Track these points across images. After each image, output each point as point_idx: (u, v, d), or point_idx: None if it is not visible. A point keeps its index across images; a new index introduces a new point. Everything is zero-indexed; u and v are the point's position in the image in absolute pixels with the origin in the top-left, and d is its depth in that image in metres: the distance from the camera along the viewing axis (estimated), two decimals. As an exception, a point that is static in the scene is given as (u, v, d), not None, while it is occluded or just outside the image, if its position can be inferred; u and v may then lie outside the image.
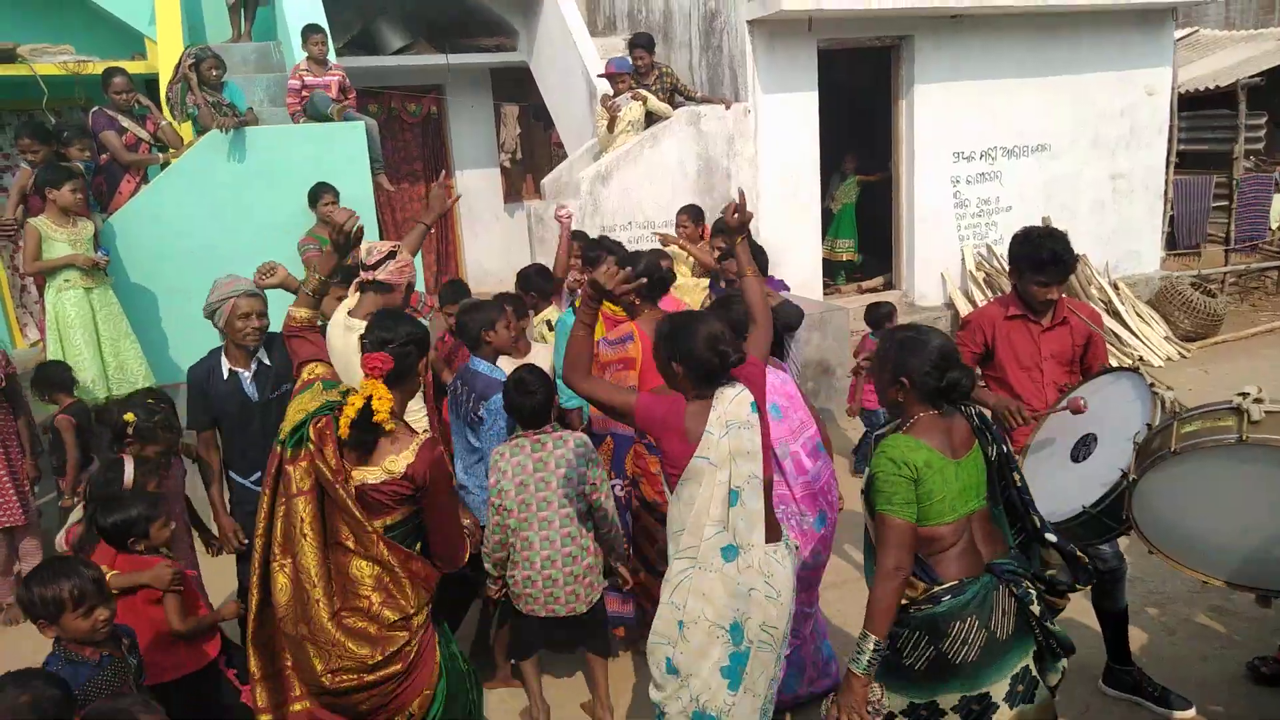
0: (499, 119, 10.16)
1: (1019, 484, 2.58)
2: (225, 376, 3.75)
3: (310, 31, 6.58)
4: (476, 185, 10.11)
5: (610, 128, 7.06)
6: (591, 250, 4.54)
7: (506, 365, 3.77)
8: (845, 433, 6.64)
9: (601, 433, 3.91)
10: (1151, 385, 3.04)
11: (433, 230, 4.07)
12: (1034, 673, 2.48)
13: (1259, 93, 9.81)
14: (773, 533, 2.71)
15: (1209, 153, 10.03)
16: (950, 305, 8.34)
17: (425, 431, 2.91)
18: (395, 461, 2.46)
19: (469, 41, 9.57)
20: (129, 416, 3.45)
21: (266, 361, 3.76)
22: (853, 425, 6.54)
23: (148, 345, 5.83)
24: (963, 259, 8.46)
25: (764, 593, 2.61)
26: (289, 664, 2.54)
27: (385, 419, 2.41)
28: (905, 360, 2.47)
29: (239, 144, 6.19)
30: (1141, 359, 8.12)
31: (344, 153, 6.51)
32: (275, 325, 3.89)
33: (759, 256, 4.53)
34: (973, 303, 8.13)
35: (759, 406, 2.71)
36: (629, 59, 7.25)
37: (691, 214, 5.88)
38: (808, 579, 3.34)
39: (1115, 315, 8.44)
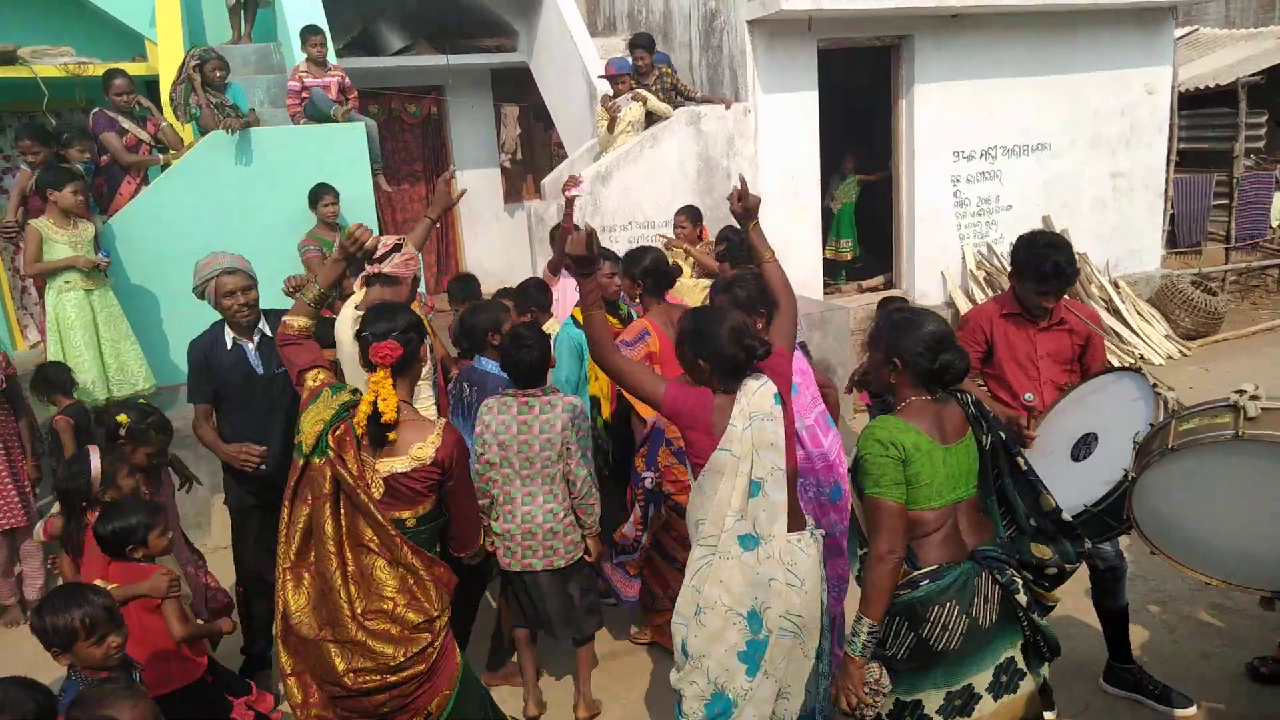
0: (499, 119, 10.17)
1: (1025, 467, 2.57)
2: (229, 347, 3.73)
3: (309, 33, 6.59)
4: (477, 185, 10.10)
5: (610, 128, 7.06)
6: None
7: None
8: (850, 425, 6.65)
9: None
10: (1154, 385, 3.04)
11: (434, 228, 4.08)
12: (1019, 664, 2.47)
13: (1259, 91, 9.81)
14: (796, 522, 2.72)
15: (1209, 151, 10.03)
16: (951, 304, 8.34)
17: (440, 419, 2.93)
18: (423, 448, 2.52)
19: (469, 42, 9.57)
20: (122, 418, 3.48)
21: (269, 333, 3.73)
22: (859, 420, 6.54)
23: (148, 347, 5.84)
24: (963, 258, 8.46)
25: (785, 581, 2.63)
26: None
27: (392, 418, 2.46)
28: (898, 340, 2.47)
29: (239, 145, 6.20)
30: (1142, 357, 8.13)
31: (344, 153, 6.53)
32: (272, 301, 3.93)
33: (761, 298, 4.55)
34: (973, 301, 8.13)
35: (783, 397, 2.72)
36: (629, 59, 7.26)
37: (690, 214, 5.89)
38: (837, 545, 3.33)
39: (1116, 314, 8.44)
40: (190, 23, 8.05)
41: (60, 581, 3.54)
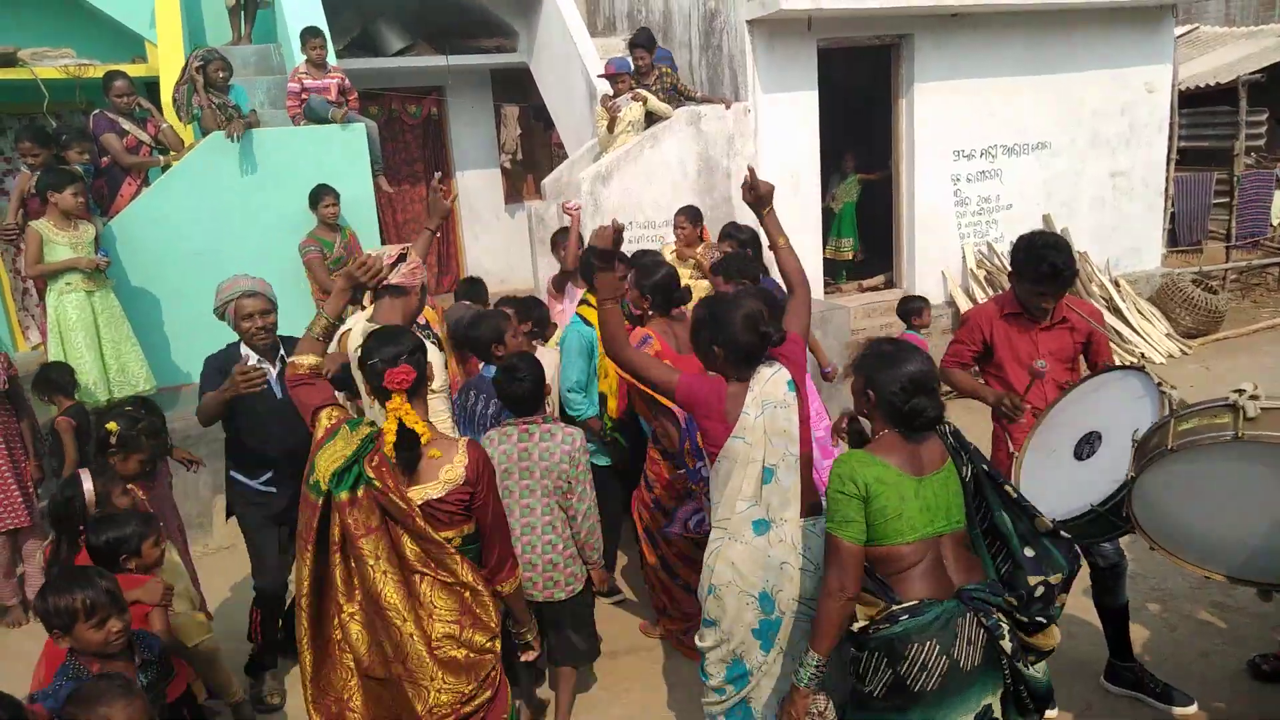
0: (499, 120, 10.17)
1: (1014, 495, 2.46)
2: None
3: (309, 35, 6.59)
4: (477, 186, 10.12)
5: (610, 128, 7.06)
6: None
7: None
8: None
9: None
10: (1159, 384, 3.04)
11: (437, 235, 4.06)
12: (996, 714, 2.36)
13: (1259, 89, 9.81)
14: (810, 505, 2.72)
15: (1210, 149, 10.03)
16: (951, 303, 8.34)
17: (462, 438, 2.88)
18: (452, 469, 2.47)
19: (469, 43, 9.58)
20: (111, 426, 3.41)
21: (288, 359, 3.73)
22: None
23: (149, 348, 5.85)
24: (963, 257, 8.46)
25: (797, 565, 2.65)
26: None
27: (427, 435, 2.43)
28: (874, 374, 2.43)
29: (240, 146, 6.21)
30: (1143, 356, 8.12)
31: (345, 154, 6.53)
32: (288, 329, 3.90)
33: (755, 263, 4.55)
34: (973, 301, 8.13)
35: (798, 384, 2.74)
36: (629, 59, 7.26)
37: (690, 215, 5.89)
38: None
39: (1116, 312, 8.43)
40: (190, 24, 8.06)
41: None
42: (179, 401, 6.04)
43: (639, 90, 7.03)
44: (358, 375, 2.81)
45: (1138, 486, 2.81)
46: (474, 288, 5.09)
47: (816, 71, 7.64)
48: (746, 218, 6.67)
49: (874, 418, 2.48)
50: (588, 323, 4.19)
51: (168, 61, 7.20)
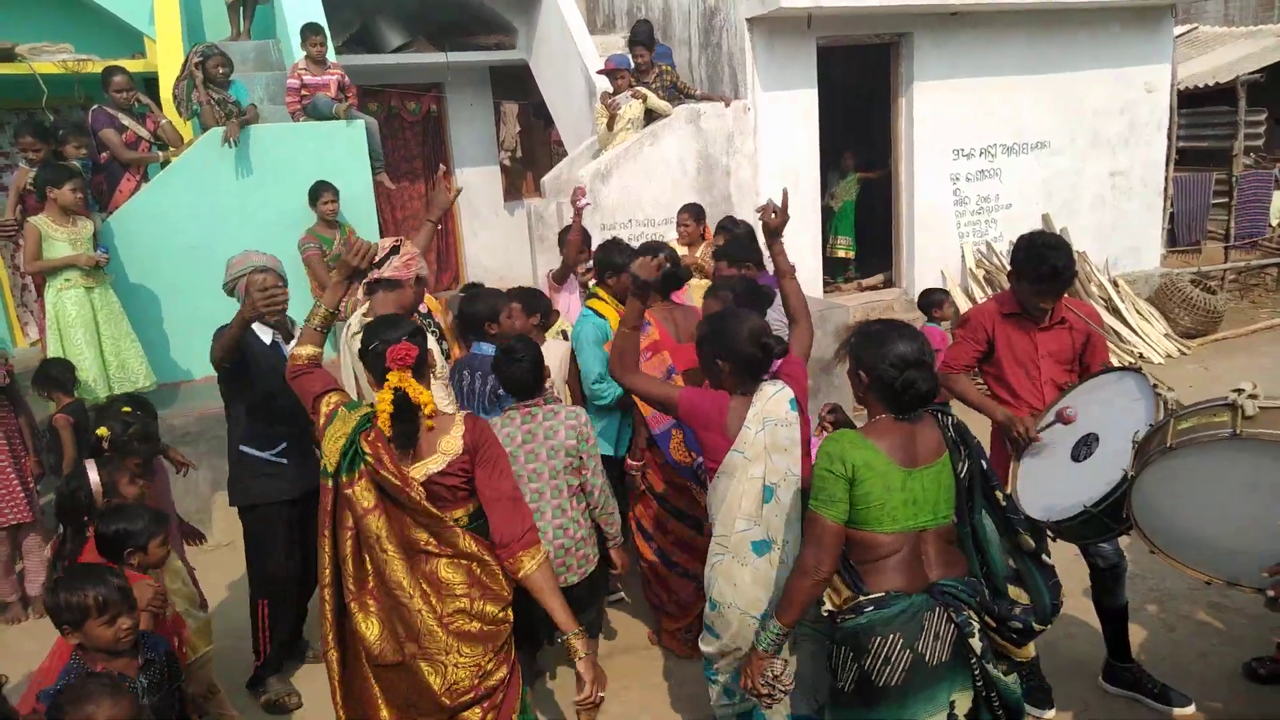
0: (499, 117, 10.16)
1: (1002, 502, 2.41)
2: (269, 344, 3.70)
3: (310, 32, 6.58)
4: (476, 183, 10.11)
5: (610, 125, 7.06)
6: (605, 255, 4.44)
7: None
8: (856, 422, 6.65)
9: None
10: (1154, 386, 3.05)
11: (438, 228, 4.05)
12: (957, 710, 2.31)
13: (1258, 89, 9.81)
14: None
15: (1209, 149, 10.03)
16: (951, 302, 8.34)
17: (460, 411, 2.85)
18: (450, 441, 2.48)
19: (468, 39, 9.57)
20: (102, 431, 3.40)
21: None
22: (862, 418, 6.55)
23: (148, 344, 5.84)
24: (963, 256, 8.47)
25: None
26: (384, 715, 2.47)
27: (431, 405, 2.41)
28: (864, 353, 2.41)
29: (240, 142, 6.20)
30: (1141, 356, 8.13)
31: (344, 151, 6.53)
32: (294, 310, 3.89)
33: (755, 248, 4.53)
34: (972, 300, 8.14)
35: (800, 405, 2.74)
36: (628, 56, 7.25)
37: (693, 212, 5.89)
38: None
39: (1115, 312, 8.44)
40: (189, 20, 8.04)
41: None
42: (178, 397, 6.04)
43: (638, 88, 7.03)
44: (359, 366, 2.81)
45: (1136, 486, 2.81)
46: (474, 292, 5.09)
47: (816, 69, 7.64)
48: (747, 216, 6.67)
49: (869, 401, 2.46)
50: (599, 314, 4.16)
51: (167, 57, 7.19)
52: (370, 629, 2.43)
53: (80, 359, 5.26)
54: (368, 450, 2.40)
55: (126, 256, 6.05)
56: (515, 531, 2.46)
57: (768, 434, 2.65)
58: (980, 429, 2.73)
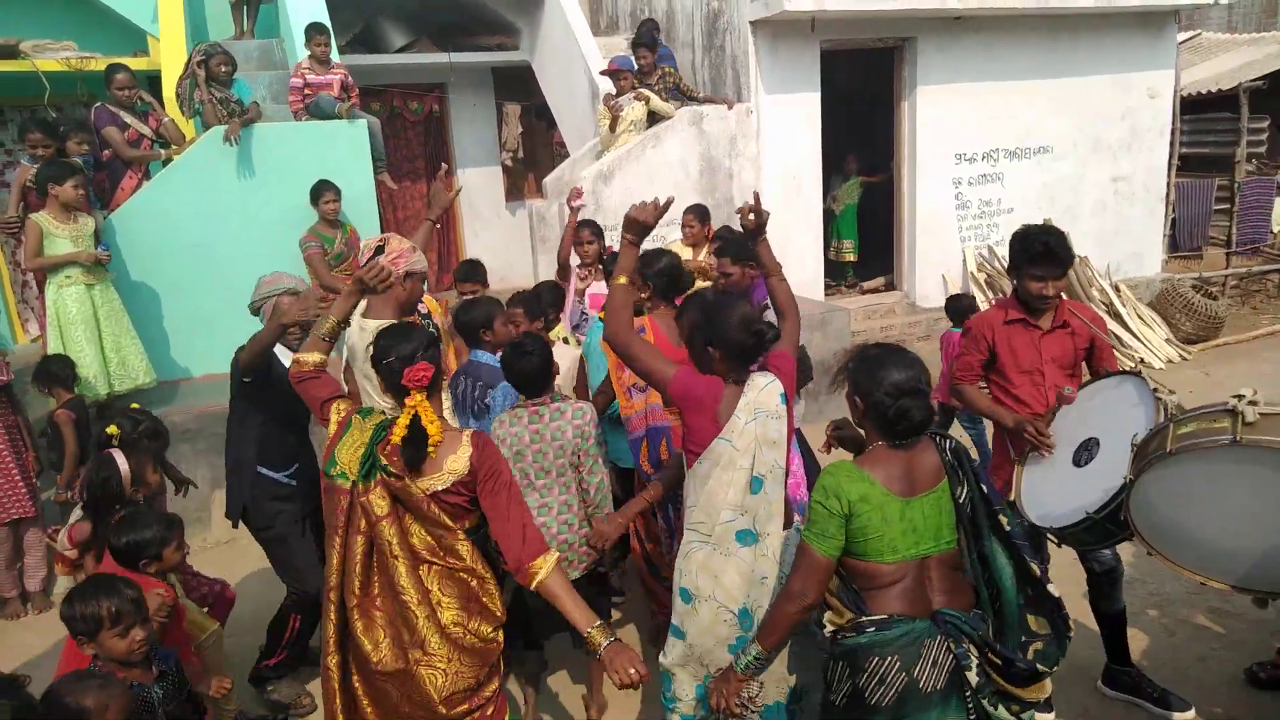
0: (501, 118, 10.17)
1: (1007, 527, 2.34)
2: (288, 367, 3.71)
3: (314, 31, 6.59)
4: (478, 184, 10.12)
5: (612, 127, 7.06)
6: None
7: None
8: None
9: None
10: (1155, 390, 3.04)
11: (437, 226, 4.04)
12: None
13: (1261, 96, 9.81)
14: (786, 519, 2.74)
15: (1211, 156, 10.03)
16: (951, 306, 8.34)
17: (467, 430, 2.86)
18: (456, 460, 2.46)
19: (471, 40, 9.58)
20: (112, 429, 3.42)
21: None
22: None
23: (149, 342, 5.84)
24: (964, 260, 8.47)
25: (777, 578, 2.64)
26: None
27: (439, 439, 2.41)
28: (860, 378, 2.38)
29: (242, 141, 6.21)
30: (1142, 361, 8.13)
31: (347, 150, 6.53)
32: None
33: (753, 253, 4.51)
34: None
35: (788, 398, 2.72)
36: (631, 58, 7.26)
37: (698, 213, 5.88)
38: None
39: (1116, 317, 8.44)
40: (192, 18, 8.05)
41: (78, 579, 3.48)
42: (178, 395, 6.04)
43: (641, 90, 7.03)
44: (372, 372, 2.79)
45: (1136, 490, 2.81)
46: (474, 270, 5.07)
47: (819, 73, 7.65)
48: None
49: (865, 427, 2.44)
50: None
51: (170, 55, 7.20)
52: (369, 638, 2.42)
53: (81, 356, 5.26)
54: (387, 463, 2.42)
55: (128, 254, 6.05)
56: (528, 554, 2.44)
57: (759, 425, 2.61)
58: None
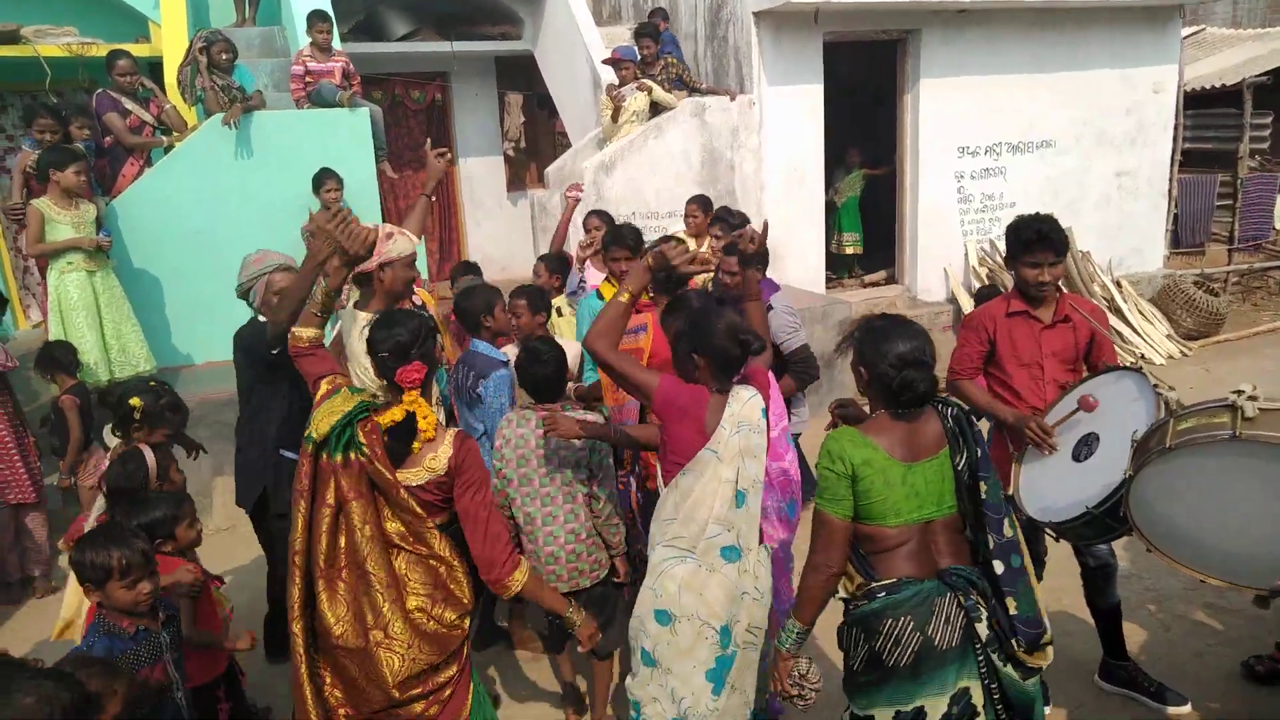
0: (503, 107, 10.15)
1: (982, 496, 2.39)
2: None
3: (316, 19, 6.57)
4: (480, 173, 10.10)
5: (615, 117, 7.05)
6: (617, 236, 4.39)
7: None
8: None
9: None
10: (1155, 386, 3.04)
11: (434, 214, 3.99)
12: (974, 701, 2.31)
13: (1265, 92, 9.79)
14: (761, 535, 2.76)
15: (1214, 151, 10.02)
16: (953, 300, 8.34)
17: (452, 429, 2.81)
18: (436, 459, 2.46)
19: (473, 29, 9.54)
20: (135, 401, 3.40)
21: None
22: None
23: (149, 328, 5.85)
24: (966, 254, 8.46)
25: (753, 596, 2.65)
26: (337, 693, 2.46)
27: (432, 435, 2.43)
28: (865, 349, 2.41)
29: (243, 128, 6.20)
30: (1143, 357, 8.13)
31: (348, 138, 6.53)
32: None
33: (760, 256, 4.50)
34: (975, 299, 8.14)
35: (767, 412, 2.72)
36: (635, 48, 7.24)
37: (701, 204, 5.88)
38: (782, 559, 3.33)
39: (1118, 313, 8.44)
40: (194, 5, 8.02)
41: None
42: (178, 382, 6.03)
43: (644, 80, 7.02)
44: (365, 359, 2.77)
45: (1135, 485, 2.81)
46: (469, 272, 5.10)
47: (822, 65, 7.63)
48: (750, 211, 6.67)
49: (869, 395, 2.47)
50: (601, 297, 4.13)
51: (171, 42, 7.18)
52: (333, 611, 2.42)
53: (82, 342, 5.26)
54: (364, 442, 2.40)
55: (129, 241, 6.05)
56: (498, 559, 2.49)
57: (742, 438, 2.60)
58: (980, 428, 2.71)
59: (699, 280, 5.58)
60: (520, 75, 9.95)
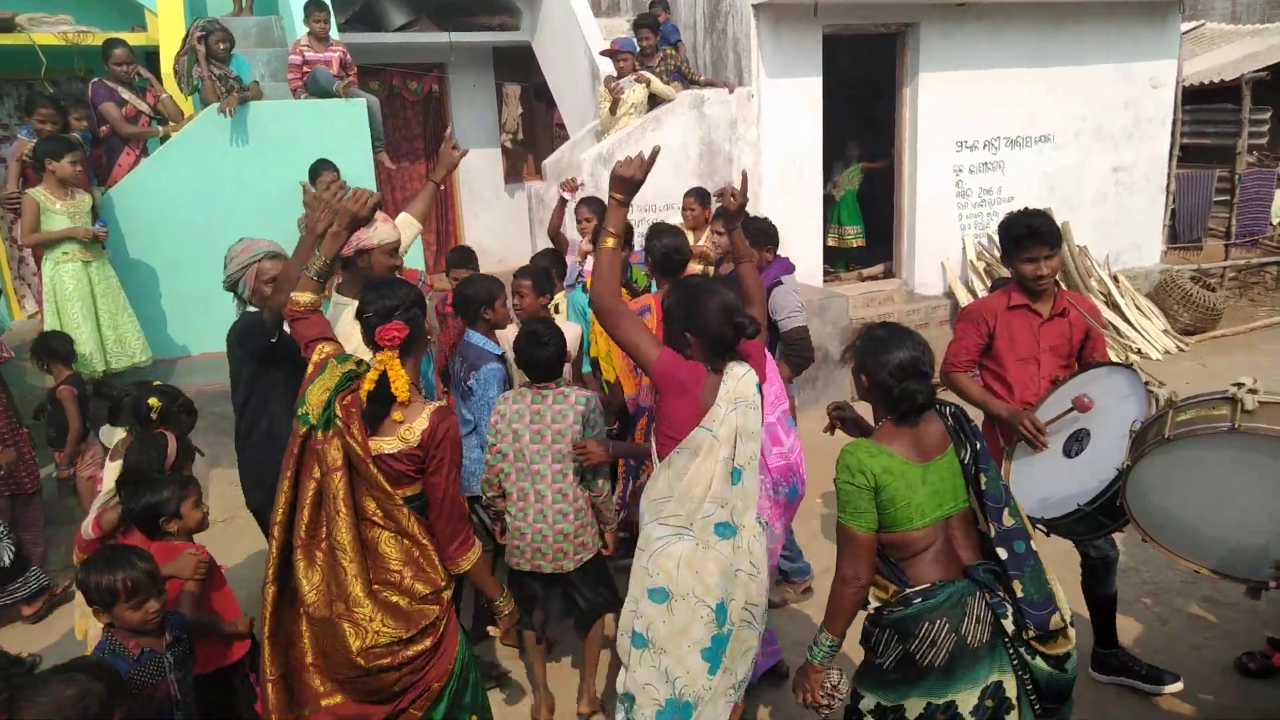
0: (501, 98, 10.12)
1: (983, 487, 2.43)
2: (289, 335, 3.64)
3: (313, 8, 6.55)
4: (478, 165, 10.07)
5: (613, 109, 7.03)
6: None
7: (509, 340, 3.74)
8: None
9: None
10: (1146, 383, 3.04)
11: (441, 188, 3.96)
12: (1008, 693, 2.35)
13: (1263, 87, 9.80)
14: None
15: (1212, 147, 10.02)
16: (950, 295, 8.34)
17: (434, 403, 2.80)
18: (410, 430, 2.47)
19: (471, 20, 9.51)
20: (153, 401, 3.43)
21: None
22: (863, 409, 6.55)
23: (145, 319, 5.83)
24: (964, 249, 8.46)
25: (748, 572, 2.65)
26: (309, 659, 2.48)
27: (405, 395, 2.43)
28: (866, 358, 2.44)
29: (240, 118, 6.17)
30: (1140, 352, 8.14)
31: (345, 129, 6.50)
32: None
33: (769, 235, 4.48)
34: (973, 293, 8.14)
35: (760, 386, 2.71)
36: (633, 39, 7.22)
37: (699, 196, 5.86)
38: (772, 550, 3.33)
39: (1115, 308, 8.45)
40: (191, -6, 7.99)
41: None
42: (174, 373, 6.02)
43: (642, 72, 7.00)
44: (357, 338, 2.77)
45: (1133, 477, 2.82)
46: (465, 256, 5.07)
47: (821, 58, 7.61)
48: (749, 204, 6.65)
49: (870, 401, 2.49)
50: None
51: (168, 31, 7.15)
52: (308, 579, 2.45)
53: (77, 333, 5.24)
54: (339, 414, 2.43)
55: (125, 231, 6.03)
56: (454, 539, 2.58)
57: (739, 415, 2.60)
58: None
59: (696, 268, 5.59)
60: (518, 66, 9.92)
